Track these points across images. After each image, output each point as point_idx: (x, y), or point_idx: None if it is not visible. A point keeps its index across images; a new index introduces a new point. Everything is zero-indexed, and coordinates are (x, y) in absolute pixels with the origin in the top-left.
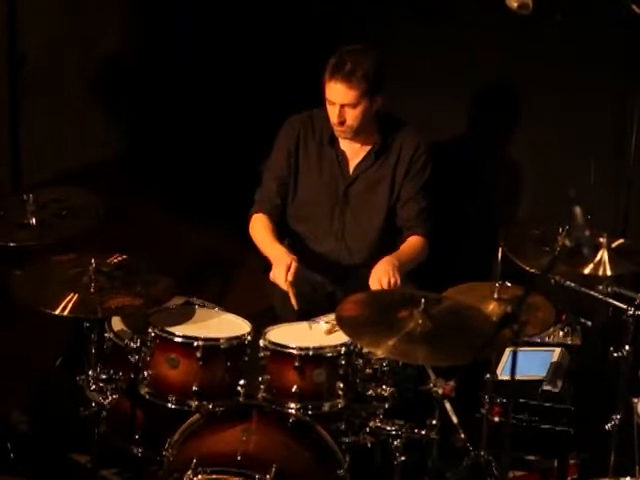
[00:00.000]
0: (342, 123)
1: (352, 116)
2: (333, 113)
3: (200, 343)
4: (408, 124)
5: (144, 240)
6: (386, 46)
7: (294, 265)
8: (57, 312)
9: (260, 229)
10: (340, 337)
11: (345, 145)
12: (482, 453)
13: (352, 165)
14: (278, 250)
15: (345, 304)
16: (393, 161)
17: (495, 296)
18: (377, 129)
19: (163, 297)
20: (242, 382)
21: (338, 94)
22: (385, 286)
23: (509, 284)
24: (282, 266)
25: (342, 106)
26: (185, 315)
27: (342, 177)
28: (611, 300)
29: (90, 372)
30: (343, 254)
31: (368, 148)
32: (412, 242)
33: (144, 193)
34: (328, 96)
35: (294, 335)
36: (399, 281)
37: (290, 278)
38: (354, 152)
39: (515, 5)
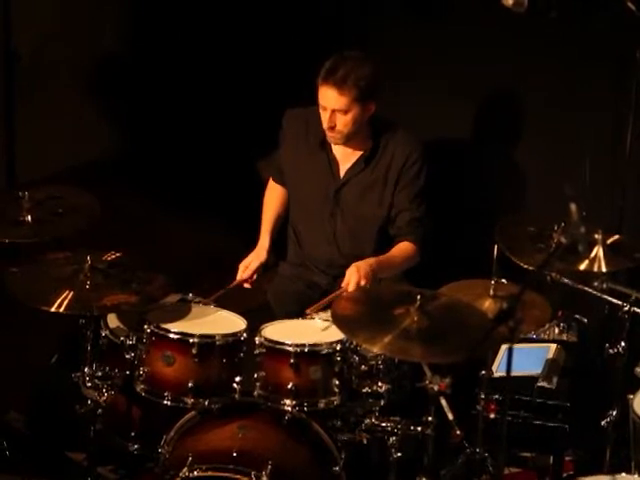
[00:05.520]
0: (332, 128)
1: (343, 122)
2: (324, 117)
3: (195, 340)
4: (403, 128)
5: (140, 237)
6: (386, 46)
7: (250, 268)
8: (53, 309)
9: (265, 206)
10: (336, 333)
11: (337, 149)
12: (478, 450)
13: (343, 169)
14: (259, 242)
15: (341, 301)
16: (384, 168)
17: (491, 293)
18: (370, 135)
19: (158, 294)
20: (238, 379)
21: (329, 99)
22: (352, 286)
23: (505, 281)
24: (243, 262)
25: (333, 111)
26: (181, 312)
27: (333, 180)
28: (607, 296)
29: (86, 369)
30: (336, 257)
31: (359, 153)
32: (401, 247)
33: (140, 190)
34: (320, 100)
35: (290, 332)
36: (368, 284)
37: (238, 277)
38: (345, 156)
39: (510, 3)
